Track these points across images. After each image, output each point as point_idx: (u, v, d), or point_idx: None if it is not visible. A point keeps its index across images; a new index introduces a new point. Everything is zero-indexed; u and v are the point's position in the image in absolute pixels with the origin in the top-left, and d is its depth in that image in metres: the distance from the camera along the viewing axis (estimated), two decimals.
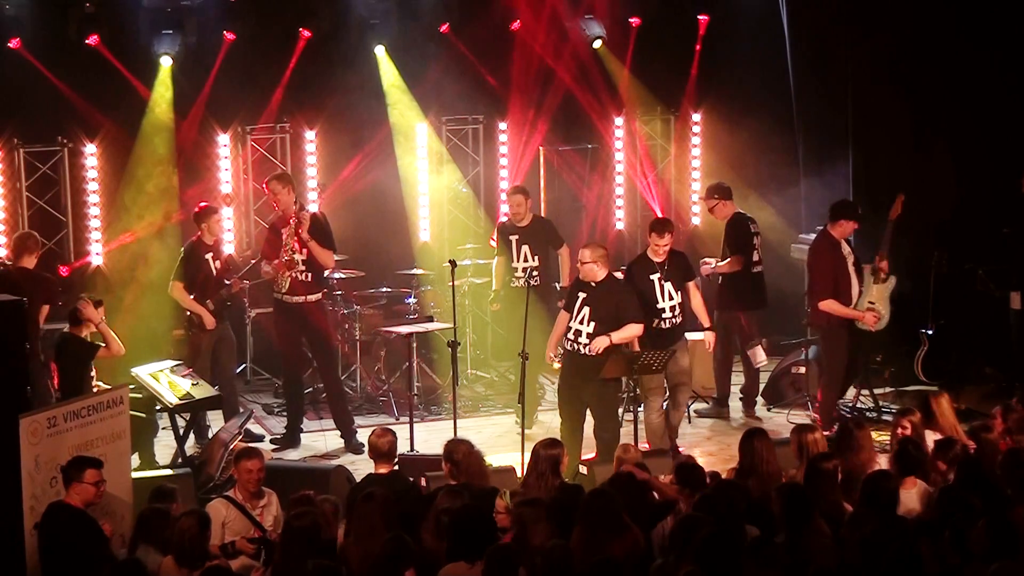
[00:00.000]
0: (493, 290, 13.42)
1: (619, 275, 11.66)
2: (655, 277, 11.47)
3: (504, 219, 13.88)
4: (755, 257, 13.13)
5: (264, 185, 12.49)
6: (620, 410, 11.60)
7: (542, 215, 14.24)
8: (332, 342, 13.00)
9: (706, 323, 11.90)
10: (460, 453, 9.10)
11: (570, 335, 11.12)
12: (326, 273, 12.75)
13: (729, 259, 12.92)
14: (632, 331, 11.11)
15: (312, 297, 12.41)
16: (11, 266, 12.19)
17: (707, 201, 13.37)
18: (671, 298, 11.50)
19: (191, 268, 12.37)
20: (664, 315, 11.50)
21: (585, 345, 11.03)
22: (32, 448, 8.58)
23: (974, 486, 7.97)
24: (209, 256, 12.46)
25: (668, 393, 11.84)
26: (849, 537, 7.47)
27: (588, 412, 11.21)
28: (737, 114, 15.49)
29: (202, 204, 12.76)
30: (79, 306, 11.34)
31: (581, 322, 11.08)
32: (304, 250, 12.22)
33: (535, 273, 12.50)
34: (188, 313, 12.42)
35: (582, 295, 11.14)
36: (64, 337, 11.44)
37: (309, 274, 12.31)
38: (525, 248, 12.88)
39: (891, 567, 6.83)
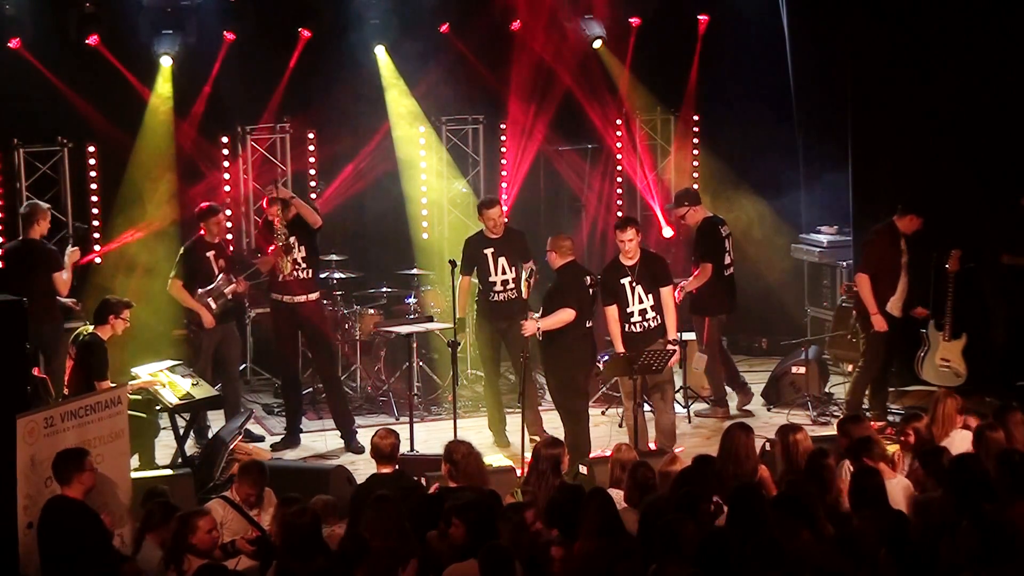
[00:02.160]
0: (457, 319, 12.08)
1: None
2: (625, 281, 11.36)
3: (472, 235, 12.83)
4: (726, 260, 13.09)
5: (267, 208, 12.43)
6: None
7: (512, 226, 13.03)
8: (331, 342, 12.97)
9: (671, 336, 11.38)
10: (459, 454, 9.11)
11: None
12: (323, 274, 12.70)
13: (696, 273, 12.85)
14: (561, 316, 11.12)
15: (312, 296, 12.42)
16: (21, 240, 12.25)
17: (677, 210, 13.32)
18: (641, 301, 11.33)
19: (191, 266, 12.35)
20: (633, 319, 11.35)
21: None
22: (28, 448, 8.56)
23: (971, 487, 7.93)
24: (211, 254, 12.42)
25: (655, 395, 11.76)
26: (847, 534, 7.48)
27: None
28: (737, 114, 15.48)
29: (203, 204, 12.73)
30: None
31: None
32: (302, 246, 12.21)
33: (512, 286, 12.15)
34: (189, 312, 12.39)
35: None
36: (93, 340, 11.16)
37: (309, 271, 12.32)
38: (502, 260, 12.29)
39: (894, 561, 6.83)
